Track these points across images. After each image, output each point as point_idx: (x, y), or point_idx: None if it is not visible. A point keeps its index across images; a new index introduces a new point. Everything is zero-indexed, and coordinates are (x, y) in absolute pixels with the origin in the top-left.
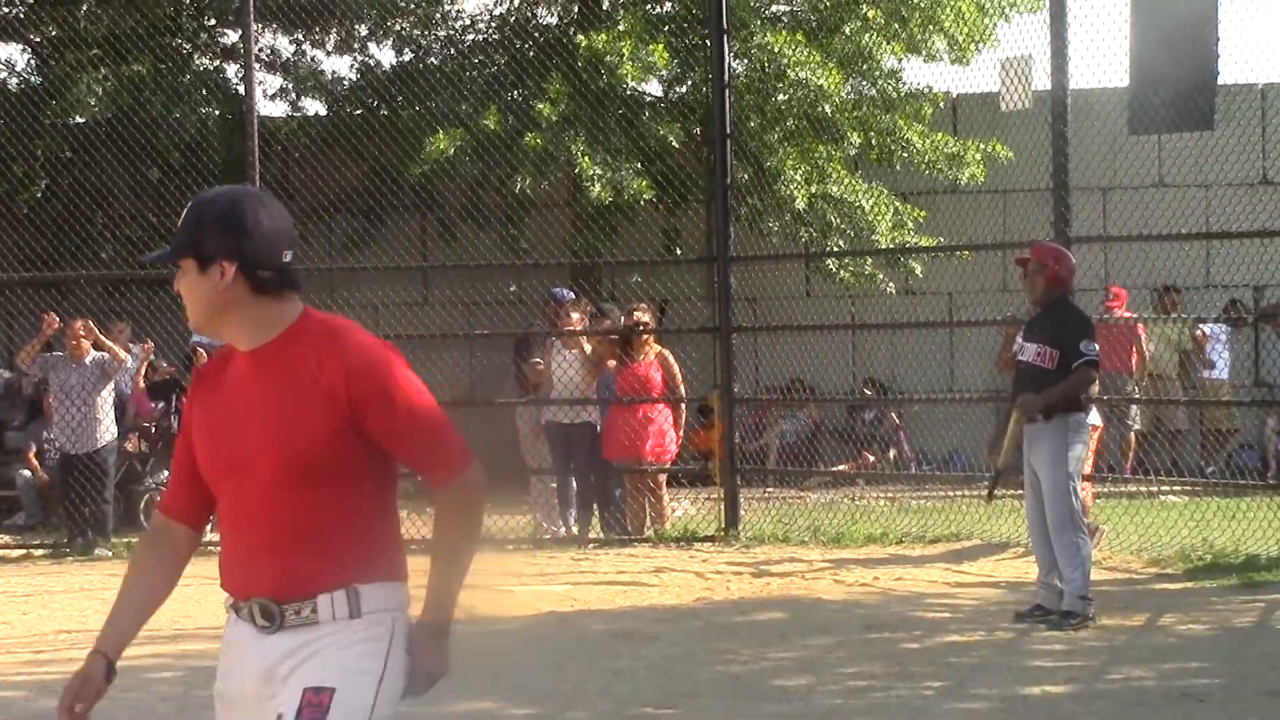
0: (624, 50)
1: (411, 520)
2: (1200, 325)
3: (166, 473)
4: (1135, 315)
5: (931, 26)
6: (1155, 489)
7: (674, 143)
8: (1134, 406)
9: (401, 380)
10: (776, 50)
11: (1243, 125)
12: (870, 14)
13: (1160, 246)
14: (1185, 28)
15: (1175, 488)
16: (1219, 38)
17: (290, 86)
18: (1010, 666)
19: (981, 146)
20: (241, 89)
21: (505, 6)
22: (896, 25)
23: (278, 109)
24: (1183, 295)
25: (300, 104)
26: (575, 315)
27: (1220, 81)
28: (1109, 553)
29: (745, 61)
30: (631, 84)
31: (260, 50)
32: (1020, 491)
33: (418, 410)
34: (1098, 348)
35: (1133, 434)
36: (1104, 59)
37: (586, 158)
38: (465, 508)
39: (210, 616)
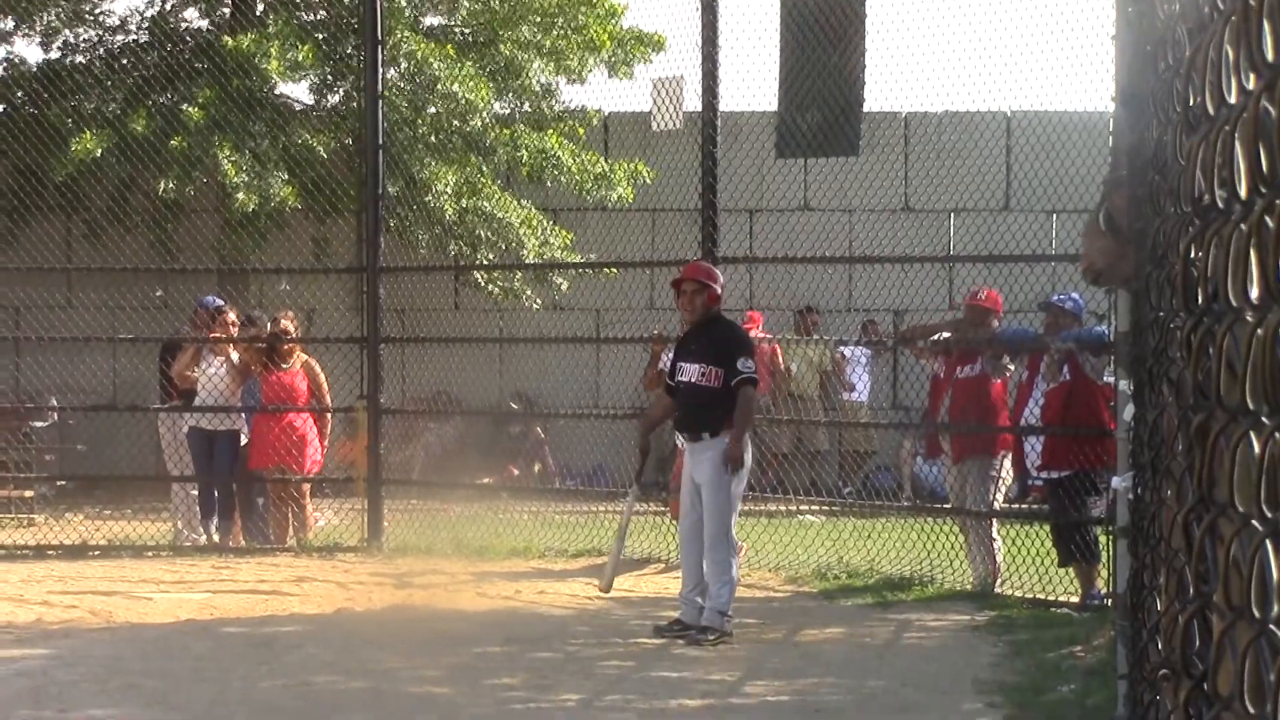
0: (272, 50)
1: (50, 525)
2: (840, 348)
3: None
4: (770, 336)
5: (584, 49)
6: (794, 508)
7: (322, 152)
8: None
9: None
10: (424, 60)
11: (886, 152)
12: (525, 34)
13: (804, 269)
14: (832, 55)
15: (814, 507)
16: (865, 66)
17: None
18: (648, 680)
19: (629, 166)
20: None
21: (156, 9)
22: (549, 43)
23: None
24: (823, 317)
25: None
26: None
27: (865, 109)
28: (748, 570)
29: (396, 71)
30: (278, 81)
31: None
32: (661, 509)
33: None
34: (754, 365)
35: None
36: (754, 82)
37: (232, 164)
38: None
39: None
